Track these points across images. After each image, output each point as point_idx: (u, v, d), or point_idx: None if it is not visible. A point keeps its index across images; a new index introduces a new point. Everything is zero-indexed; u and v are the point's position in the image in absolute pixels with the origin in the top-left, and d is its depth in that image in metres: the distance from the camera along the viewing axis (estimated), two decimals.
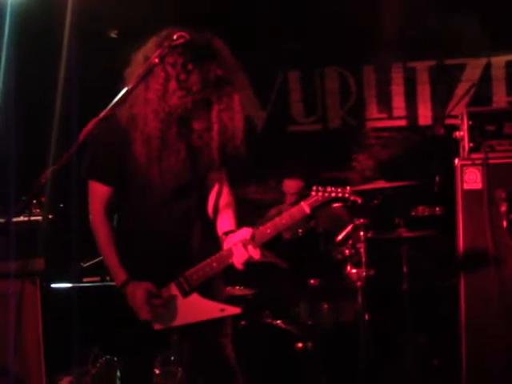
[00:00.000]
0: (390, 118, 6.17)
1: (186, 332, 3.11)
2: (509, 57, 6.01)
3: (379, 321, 4.80)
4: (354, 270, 4.63)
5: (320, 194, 3.03)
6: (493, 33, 5.75)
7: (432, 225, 5.12)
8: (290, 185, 5.31)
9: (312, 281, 4.81)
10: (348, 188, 3.05)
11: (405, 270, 4.90)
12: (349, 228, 4.75)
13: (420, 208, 5.34)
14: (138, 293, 2.94)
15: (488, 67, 6.02)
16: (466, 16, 5.69)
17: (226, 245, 3.05)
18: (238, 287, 4.75)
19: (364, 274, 4.57)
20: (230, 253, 3.00)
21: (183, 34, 2.85)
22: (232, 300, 4.02)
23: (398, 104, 6.16)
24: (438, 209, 5.30)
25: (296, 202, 3.23)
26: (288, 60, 6.21)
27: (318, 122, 6.27)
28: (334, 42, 6.00)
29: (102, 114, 2.65)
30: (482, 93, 5.93)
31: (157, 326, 3.02)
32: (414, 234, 4.93)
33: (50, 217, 3.86)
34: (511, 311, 4.54)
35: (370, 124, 6.18)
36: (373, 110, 6.19)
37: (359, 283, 4.56)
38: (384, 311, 4.97)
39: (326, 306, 4.80)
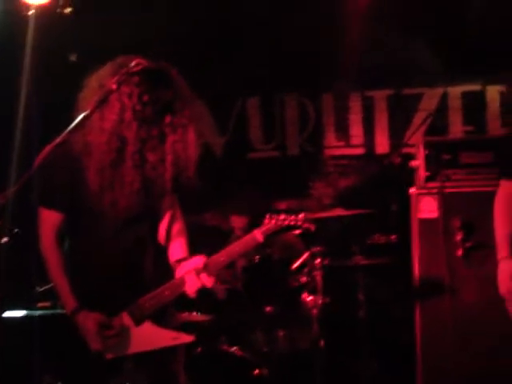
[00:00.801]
0: (348, 146, 6.21)
1: (140, 360, 3.08)
2: (465, 87, 6.09)
3: (335, 348, 4.80)
4: (309, 298, 4.65)
5: (273, 221, 3.04)
6: (449, 63, 5.82)
7: (388, 253, 5.15)
8: (236, 220, 5.30)
9: (268, 308, 4.80)
10: (301, 215, 3.06)
11: (361, 297, 4.91)
12: (305, 255, 4.77)
13: (376, 236, 5.38)
14: (88, 323, 2.91)
15: (445, 97, 6.09)
16: (422, 46, 5.76)
17: (178, 272, 3.04)
18: (194, 313, 4.72)
19: (320, 301, 4.58)
20: (183, 281, 3.00)
21: (140, 61, 2.85)
22: (188, 326, 4.02)
23: (356, 132, 6.21)
24: (393, 237, 5.34)
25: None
26: (247, 87, 6.23)
27: (277, 149, 6.29)
28: (293, 70, 6.03)
29: (56, 140, 2.64)
30: (438, 122, 5.99)
31: (109, 355, 2.99)
32: (370, 261, 4.96)
33: (5, 240, 3.81)
34: (466, 339, 4.58)
35: (329, 152, 6.21)
36: (331, 138, 6.23)
37: (315, 311, 4.57)
38: (340, 339, 4.97)
39: (281, 333, 4.79)
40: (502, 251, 3.66)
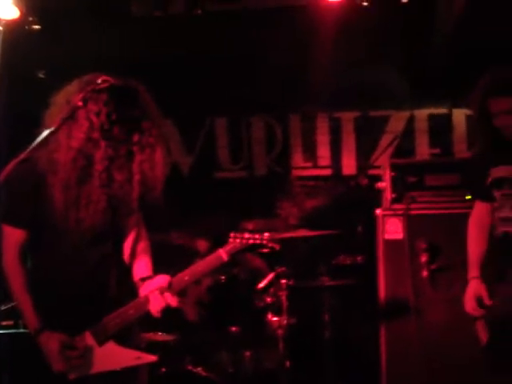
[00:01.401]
0: (315, 166, 6.23)
1: (102, 380, 3.05)
2: (431, 110, 6.15)
3: (300, 369, 4.79)
4: (275, 318, 4.64)
5: (237, 240, 3.04)
6: (416, 86, 5.88)
7: (353, 274, 5.16)
8: (201, 244, 5.28)
9: (233, 328, 4.77)
10: (266, 234, 3.07)
11: (326, 318, 4.90)
12: (270, 276, 4.76)
13: (342, 257, 5.39)
14: (51, 344, 2.87)
15: (411, 119, 6.16)
16: (390, 69, 5.81)
17: (142, 291, 3.03)
18: (159, 333, 4.69)
19: (285, 321, 4.57)
20: (147, 300, 2.98)
21: (107, 78, 2.84)
22: (153, 346, 3.99)
23: (323, 153, 6.24)
24: (359, 258, 5.35)
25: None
26: (215, 107, 6.23)
27: (245, 170, 6.29)
28: (260, 91, 6.05)
29: (20, 157, 2.62)
30: (405, 145, 6.04)
31: (72, 376, 2.95)
32: (336, 282, 4.96)
33: None
34: (431, 360, 4.60)
35: (296, 172, 6.23)
36: (298, 159, 6.25)
37: (280, 331, 4.56)
38: (305, 359, 4.96)
39: (247, 353, 4.77)
40: (472, 271, 3.69)
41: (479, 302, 3.56)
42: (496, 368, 3.49)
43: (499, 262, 3.53)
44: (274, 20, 5.65)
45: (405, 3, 5.34)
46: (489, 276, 3.58)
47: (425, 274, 4.77)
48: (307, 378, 4.99)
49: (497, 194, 3.57)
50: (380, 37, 5.66)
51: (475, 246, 3.74)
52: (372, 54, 5.78)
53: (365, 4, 5.35)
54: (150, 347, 3.18)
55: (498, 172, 3.55)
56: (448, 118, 6.15)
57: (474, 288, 3.61)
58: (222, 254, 3.06)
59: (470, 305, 3.60)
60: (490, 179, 3.60)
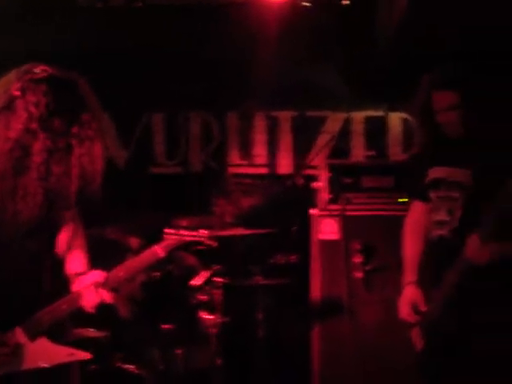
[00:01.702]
0: (251, 165, 6.21)
1: (33, 376, 2.97)
2: (368, 112, 6.19)
3: (233, 367, 4.77)
4: (208, 316, 4.61)
5: (174, 237, 3.00)
6: (354, 88, 5.91)
7: (288, 273, 5.16)
8: (132, 241, 5.21)
9: (166, 325, 4.72)
10: (204, 232, 3.04)
11: (260, 317, 4.89)
12: (205, 274, 4.73)
13: (277, 256, 5.38)
14: None
15: (348, 121, 6.18)
16: (329, 70, 5.82)
17: (75, 286, 2.97)
18: (90, 329, 4.61)
19: (219, 320, 4.55)
20: (80, 295, 2.92)
21: (46, 68, 2.77)
22: (84, 342, 3.91)
23: (260, 152, 6.22)
24: (293, 257, 5.36)
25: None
26: (153, 102, 6.16)
27: (180, 165, 6.23)
28: (199, 87, 6.00)
29: None
30: (341, 146, 6.07)
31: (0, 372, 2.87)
32: (270, 281, 4.96)
33: None
34: (364, 361, 4.63)
35: (232, 170, 6.20)
36: (235, 157, 6.22)
37: (213, 329, 4.53)
38: (238, 358, 4.94)
39: (179, 351, 4.72)
40: (408, 275, 3.59)
41: (415, 308, 3.47)
42: (430, 374, 3.45)
43: (434, 266, 3.45)
44: (215, 16, 5.61)
45: (346, 5, 5.35)
46: (424, 281, 3.51)
47: (359, 274, 4.81)
48: (239, 376, 4.97)
49: (433, 195, 3.49)
50: (321, 37, 5.66)
51: (411, 248, 3.65)
52: (312, 54, 5.79)
53: (307, 4, 5.35)
54: (81, 343, 3.10)
55: (436, 173, 3.48)
56: (384, 120, 6.19)
57: (410, 294, 3.52)
58: (158, 250, 3.02)
59: (405, 311, 3.52)
60: (427, 179, 3.52)
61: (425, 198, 3.58)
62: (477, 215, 3.16)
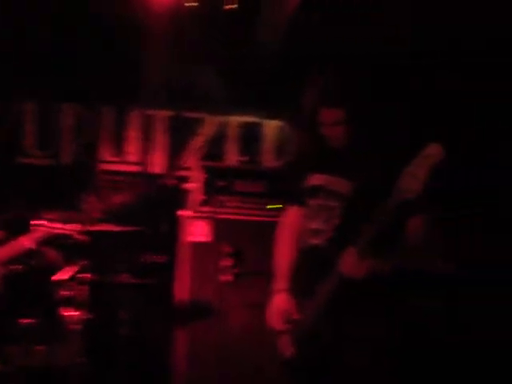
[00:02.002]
0: (124, 162, 6.11)
1: None
2: (243, 118, 6.23)
3: (95, 365, 4.68)
4: (72, 313, 4.49)
5: (42, 229, 2.92)
6: (232, 92, 5.93)
7: (156, 273, 5.12)
8: None
9: (27, 320, 4.58)
10: (74, 226, 2.97)
11: (125, 315, 4.82)
12: (70, 269, 4.62)
13: (145, 255, 5.33)
14: None
15: (224, 125, 6.19)
16: (209, 72, 5.82)
17: None
18: None
19: (83, 317, 4.45)
20: None
21: None
22: None
23: (133, 149, 6.14)
24: (161, 258, 5.32)
25: None
26: (25, 91, 5.96)
27: (51, 158, 6.06)
28: (74, 80, 5.86)
29: None
30: (214, 149, 6.08)
31: None
32: (137, 280, 4.90)
33: None
34: (229, 365, 4.64)
35: (103, 166, 6.08)
36: (107, 152, 6.10)
37: (78, 326, 4.42)
38: (101, 356, 4.85)
39: (40, 347, 4.59)
40: (278, 283, 3.50)
41: (285, 316, 3.39)
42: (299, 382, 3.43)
43: (307, 275, 3.38)
44: (97, 9, 5.51)
45: (231, 8, 5.38)
46: (297, 289, 3.42)
47: (228, 278, 4.82)
48: (102, 375, 4.87)
49: (311, 203, 3.44)
50: (203, 39, 5.67)
51: (283, 255, 3.56)
52: (193, 55, 5.77)
53: (192, 4, 5.34)
54: None
55: (315, 180, 3.44)
56: (259, 127, 6.25)
57: (280, 302, 3.43)
58: (25, 241, 2.93)
59: (274, 319, 3.43)
60: (306, 186, 3.48)
61: (301, 204, 3.53)
62: (353, 227, 3.14)
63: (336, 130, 3.32)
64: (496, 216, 5.29)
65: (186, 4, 5.43)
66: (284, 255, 3.57)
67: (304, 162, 3.59)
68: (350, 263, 3.10)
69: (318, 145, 3.43)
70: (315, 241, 3.37)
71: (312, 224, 3.40)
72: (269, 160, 6.17)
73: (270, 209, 5.03)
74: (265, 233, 4.83)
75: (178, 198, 5.35)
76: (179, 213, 5.07)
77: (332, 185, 3.37)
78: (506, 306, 4.98)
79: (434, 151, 2.86)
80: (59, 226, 2.93)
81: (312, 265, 3.38)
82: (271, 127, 6.25)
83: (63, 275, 4.60)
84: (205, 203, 4.99)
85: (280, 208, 4.82)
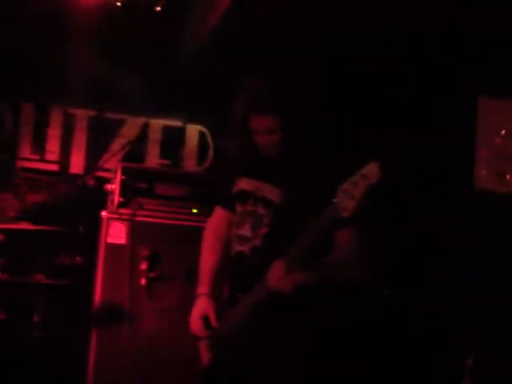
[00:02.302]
0: (43, 160, 6.01)
1: None
2: (166, 121, 6.20)
3: (5, 367, 4.59)
4: None
5: None
6: (156, 95, 5.91)
7: (72, 274, 5.05)
8: None
9: None
10: None
11: (38, 317, 4.74)
12: None
13: (61, 256, 5.25)
14: None
15: (146, 127, 6.16)
16: (134, 74, 5.78)
17: None
18: None
19: None
20: None
21: None
22: None
23: (53, 148, 6.04)
24: (78, 259, 5.25)
25: None
26: None
27: None
28: None
29: None
30: (136, 151, 6.03)
31: None
32: (53, 281, 4.83)
33: None
34: (143, 368, 4.61)
35: (21, 163, 5.96)
36: (26, 150, 5.98)
37: None
38: (13, 358, 4.74)
39: None
40: (201, 286, 3.40)
41: (205, 321, 3.30)
42: None
43: (232, 283, 3.33)
44: (22, 6, 5.43)
45: (158, 11, 5.37)
46: (219, 295, 3.37)
47: (143, 281, 4.78)
48: (12, 376, 4.76)
49: (239, 208, 3.33)
50: (129, 40, 5.64)
51: (207, 259, 3.47)
52: (118, 56, 5.73)
53: (118, 4, 5.31)
54: None
55: (244, 184, 3.34)
56: (182, 132, 6.23)
57: (202, 306, 3.34)
58: None
59: (194, 324, 3.34)
60: (234, 190, 3.38)
61: (228, 206, 3.44)
62: (281, 237, 3.07)
63: (268, 139, 3.19)
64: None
65: (114, 2, 5.39)
66: (207, 259, 3.48)
67: (234, 166, 3.47)
68: (277, 277, 2.99)
69: (249, 151, 3.30)
70: (241, 248, 3.28)
71: (239, 230, 3.31)
72: (190, 164, 6.16)
73: (193, 213, 5.02)
74: (184, 237, 4.85)
75: (97, 198, 5.29)
76: (99, 214, 5.00)
77: (262, 191, 3.28)
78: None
79: (371, 171, 2.76)
80: None
81: (237, 272, 3.31)
82: (194, 132, 6.24)
83: None
84: (124, 205, 4.94)
85: (201, 212, 4.87)
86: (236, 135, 3.33)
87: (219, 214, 3.54)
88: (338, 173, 2.91)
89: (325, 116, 4.24)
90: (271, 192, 3.24)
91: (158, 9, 5.45)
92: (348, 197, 2.78)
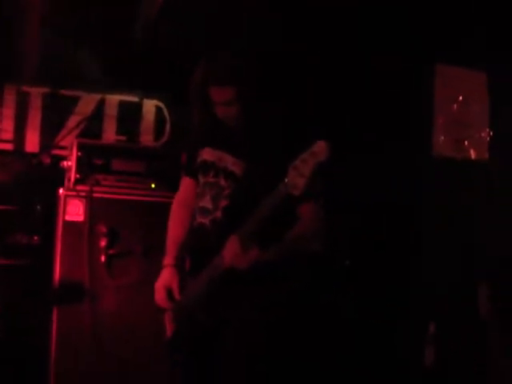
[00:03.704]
0: None
1: None
2: (122, 97, 6.12)
3: None
4: None
5: None
6: (111, 71, 5.82)
7: (29, 254, 4.98)
8: None
9: None
10: None
11: None
12: None
13: (18, 235, 5.17)
14: None
15: (101, 104, 6.07)
16: (87, 50, 5.69)
17: None
18: None
19: None
20: None
21: None
22: None
23: (6, 127, 5.92)
24: (36, 238, 5.17)
25: None
26: None
27: None
28: None
29: None
30: (92, 128, 5.94)
31: None
32: (9, 261, 4.76)
33: None
34: (102, 346, 4.58)
35: None
36: None
37: None
38: None
39: None
40: (167, 257, 3.46)
41: (169, 293, 3.37)
42: (172, 364, 3.43)
43: (192, 254, 3.39)
44: None
45: None
46: (183, 268, 3.42)
47: (102, 258, 4.73)
48: None
49: (201, 180, 3.39)
50: (81, 14, 5.55)
51: (174, 229, 3.52)
52: (71, 31, 5.62)
53: None
54: None
55: (207, 154, 3.39)
56: (138, 107, 6.16)
57: (166, 277, 3.40)
58: None
59: (158, 294, 3.40)
60: (198, 161, 3.43)
61: (195, 176, 3.47)
62: (241, 210, 3.09)
63: (227, 110, 3.24)
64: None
65: None
66: (174, 230, 3.52)
67: (198, 136, 3.51)
68: (232, 254, 3.03)
69: (210, 121, 3.35)
70: (202, 220, 3.32)
71: (201, 201, 3.35)
72: (148, 140, 6.10)
73: (153, 188, 4.97)
74: (142, 213, 4.81)
75: (54, 176, 5.22)
76: (56, 192, 4.93)
77: (224, 162, 3.31)
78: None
79: (320, 149, 2.80)
80: None
81: (198, 244, 3.36)
82: (150, 106, 6.17)
83: None
84: (80, 181, 4.87)
85: (159, 187, 4.84)
86: (197, 106, 3.35)
87: (186, 185, 3.58)
88: (294, 149, 2.92)
89: (282, 91, 4.26)
90: (233, 163, 3.28)
91: None
92: (298, 175, 2.81)
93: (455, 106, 5.51)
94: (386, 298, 5.38)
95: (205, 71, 3.25)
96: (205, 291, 3.20)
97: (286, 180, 2.85)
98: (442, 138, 5.51)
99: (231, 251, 3.04)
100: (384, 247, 5.40)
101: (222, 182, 3.29)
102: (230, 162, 3.29)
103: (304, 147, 2.84)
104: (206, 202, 3.31)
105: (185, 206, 3.55)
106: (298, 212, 3.20)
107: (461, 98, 5.53)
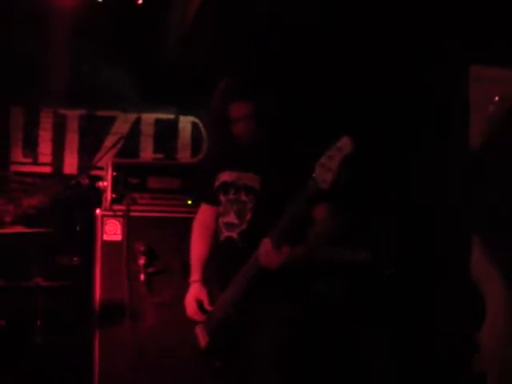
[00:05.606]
0: (35, 163, 5.98)
1: None
2: (158, 115, 6.16)
3: (7, 374, 4.56)
4: None
5: None
6: (145, 89, 5.86)
7: (71, 275, 5.02)
8: None
9: None
10: None
11: (39, 321, 4.71)
12: None
13: (59, 257, 5.22)
14: None
15: (137, 122, 6.12)
16: (120, 69, 5.74)
17: None
18: None
19: None
20: None
21: None
22: None
23: (45, 150, 6.00)
24: (76, 258, 5.22)
25: None
26: None
27: None
28: None
29: None
30: (129, 147, 6.00)
31: None
32: (51, 283, 4.80)
33: None
34: (144, 365, 4.60)
35: (14, 168, 5.93)
36: (18, 154, 5.95)
37: None
38: (14, 364, 4.72)
39: None
40: (193, 274, 3.65)
41: (200, 305, 3.54)
42: (211, 373, 3.48)
43: (222, 267, 3.51)
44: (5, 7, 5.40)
45: (140, 4, 5.34)
46: (212, 281, 3.57)
47: (142, 277, 4.75)
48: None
49: (223, 199, 3.55)
50: (113, 36, 5.60)
51: (197, 248, 3.72)
52: (104, 52, 5.68)
53: (99, 0, 5.27)
54: None
55: (226, 176, 3.56)
56: (174, 124, 6.19)
57: (195, 291, 3.58)
58: None
59: (190, 308, 3.58)
60: (217, 183, 3.60)
61: (212, 202, 3.66)
62: (266, 219, 3.25)
63: (245, 125, 3.44)
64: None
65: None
66: (197, 249, 3.72)
67: (214, 161, 3.72)
68: (266, 253, 3.19)
69: (227, 143, 3.55)
70: (229, 233, 3.48)
71: (225, 218, 3.51)
72: (185, 157, 6.12)
73: (188, 205, 4.98)
74: (181, 229, 4.80)
75: (92, 197, 5.26)
76: (94, 212, 4.96)
77: (243, 180, 3.48)
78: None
79: (345, 144, 2.98)
80: None
81: (226, 256, 3.49)
82: (186, 123, 6.20)
83: None
84: (117, 201, 4.90)
85: (196, 204, 4.84)
86: (215, 128, 3.69)
87: (205, 210, 3.78)
88: (310, 153, 3.14)
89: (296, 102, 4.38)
90: (251, 179, 3.45)
91: (140, 1, 5.41)
92: (325, 170, 3.00)
93: (491, 106, 5.42)
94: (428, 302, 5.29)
95: (224, 91, 3.48)
96: (240, 291, 3.32)
97: (314, 175, 3.02)
98: (479, 138, 5.42)
99: (264, 251, 3.20)
100: (432, 251, 5.31)
101: (244, 197, 3.46)
102: (248, 179, 3.46)
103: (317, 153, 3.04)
104: (231, 218, 3.48)
105: (205, 227, 3.74)
106: (313, 214, 3.35)
107: (497, 98, 5.43)
